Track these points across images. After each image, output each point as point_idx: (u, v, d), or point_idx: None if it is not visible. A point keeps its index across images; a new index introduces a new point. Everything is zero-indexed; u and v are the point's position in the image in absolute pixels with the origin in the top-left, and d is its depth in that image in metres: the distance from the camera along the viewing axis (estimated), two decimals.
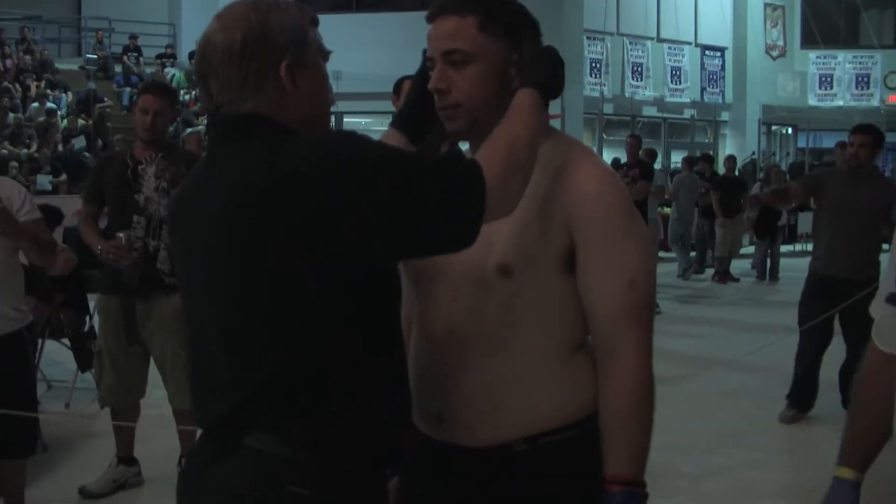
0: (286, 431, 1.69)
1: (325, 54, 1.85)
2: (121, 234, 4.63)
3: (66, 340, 6.77)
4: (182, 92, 20.04)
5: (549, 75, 1.87)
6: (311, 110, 1.80)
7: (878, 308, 2.09)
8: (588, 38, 20.93)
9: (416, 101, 2.04)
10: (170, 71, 21.17)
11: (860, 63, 24.55)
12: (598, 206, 1.89)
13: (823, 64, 24.57)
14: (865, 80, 24.48)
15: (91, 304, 6.54)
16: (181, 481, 1.85)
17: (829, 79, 24.58)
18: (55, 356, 7.06)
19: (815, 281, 6.28)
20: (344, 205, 1.60)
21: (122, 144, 16.18)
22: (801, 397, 6.30)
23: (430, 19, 1.94)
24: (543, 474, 1.95)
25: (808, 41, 24.75)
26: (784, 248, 15.35)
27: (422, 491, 2.09)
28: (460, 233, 1.70)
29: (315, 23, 1.83)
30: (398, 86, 4.72)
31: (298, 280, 1.65)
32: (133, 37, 21.13)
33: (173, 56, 21.68)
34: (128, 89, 19.93)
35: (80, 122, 18.16)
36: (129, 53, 20.94)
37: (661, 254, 14.66)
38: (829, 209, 6.24)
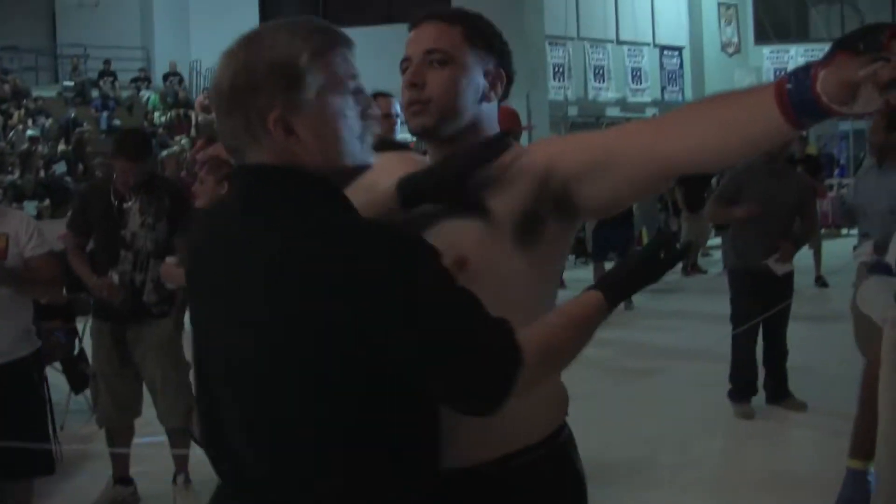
0: None
1: (341, 82, 1.62)
2: (114, 274, 4.75)
3: (57, 364, 6.70)
4: (157, 114, 20.61)
5: (624, 281, 1.74)
6: (320, 160, 1.59)
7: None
8: (550, 43, 21.22)
9: (439, 183, 1.88)
10: (145, 93, 21.65)
11: (811, 56, 24.53)
12: (556, 140, 1.98)
13: (777, 58, 25.14)
14: None
15: (79, 327, 6.69)
16: None
17: (783, 72, 24.61)
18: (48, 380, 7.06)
19: (743, 278, 6.41)
20: (374, 317, 1.46)
21: (104, 168, 16.77)
22: (747, 389, 6.43)
23: (414, 25, 1.97)
24: (515, 498, 1.89)
25: (762, 37, 25.43)
26: None
27: None
28: (479, 402, 1.55)
29: (326, 49, 1.61)
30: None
31: (328, 369, 1.51)
32: (107, 61, 21.48)
33: (147, 79, 22.14)
34: (105, 113, 20.42)
35: (60, 147, 18.55)
36: (105, 78, 21.33)
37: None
38: (754, 205, 6.30)
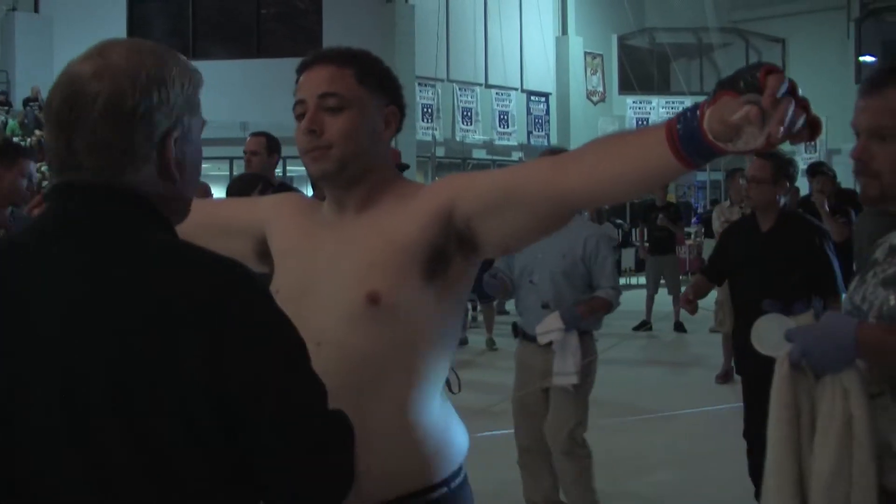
0: None
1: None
2: None
3: None
4: (16, 139, 19.95)
5: None
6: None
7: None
8: (420, 84, 21.28)
9: None
10: (3, 118, 20.99)
11: (672, 108, 25.60)
12: (459, 178, 1.98)
13: (640, 108, 25.92)
14: None
15: None
16: None
17: (644, 122, 25.41)
18: None
19: None
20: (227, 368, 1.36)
21: None
22: None
23: (305, 67, 1.97)
24: None
25: (625, 87, 26.16)
26: None
27: None
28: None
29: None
30: None
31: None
32: None
33: (8, 104, 21.46)
34: None
35: None
36: None
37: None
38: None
